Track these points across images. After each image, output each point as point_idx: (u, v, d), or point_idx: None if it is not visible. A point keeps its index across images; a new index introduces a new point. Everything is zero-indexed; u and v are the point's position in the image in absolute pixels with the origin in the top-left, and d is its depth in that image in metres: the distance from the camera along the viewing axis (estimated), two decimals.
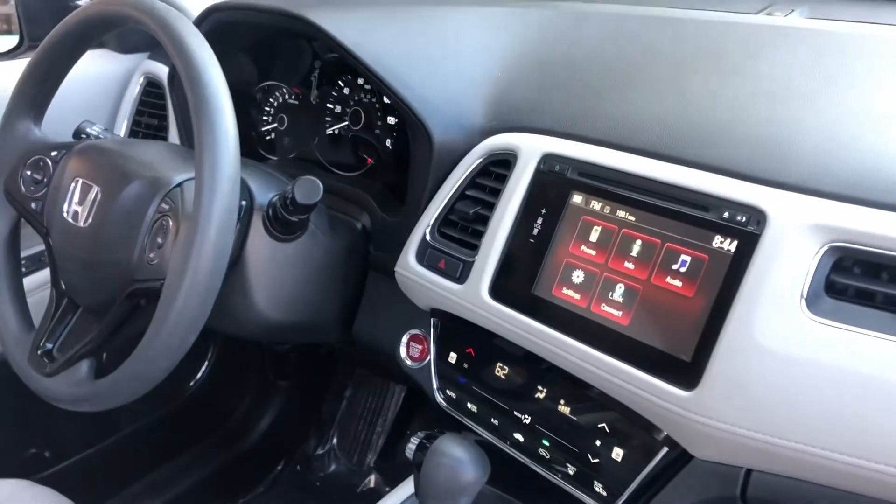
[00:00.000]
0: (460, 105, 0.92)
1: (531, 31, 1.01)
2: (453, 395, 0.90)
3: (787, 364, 0.60)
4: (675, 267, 0.68)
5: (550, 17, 1.04)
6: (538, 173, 0.81)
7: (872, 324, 0.59)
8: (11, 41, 1.28)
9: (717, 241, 0.66)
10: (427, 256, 0.89)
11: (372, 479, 1.57)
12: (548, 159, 0.81)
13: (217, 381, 1.56)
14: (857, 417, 0.58)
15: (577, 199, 0.77)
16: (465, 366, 0.88)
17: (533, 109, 0.87)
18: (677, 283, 0.68)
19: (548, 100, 0.88)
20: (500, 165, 0.86)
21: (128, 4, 0.83)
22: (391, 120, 1.05)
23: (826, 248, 0.61)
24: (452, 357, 0.89)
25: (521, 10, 1.06)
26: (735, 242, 0.65)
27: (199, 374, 1.53)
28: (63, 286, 0.91)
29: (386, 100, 1.04)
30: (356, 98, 1.09)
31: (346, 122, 1.10)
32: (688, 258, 0.68)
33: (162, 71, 1.25)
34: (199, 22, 1.03)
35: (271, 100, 1.19)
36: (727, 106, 0.77)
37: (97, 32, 0.89)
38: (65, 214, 0.86)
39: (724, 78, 0.82)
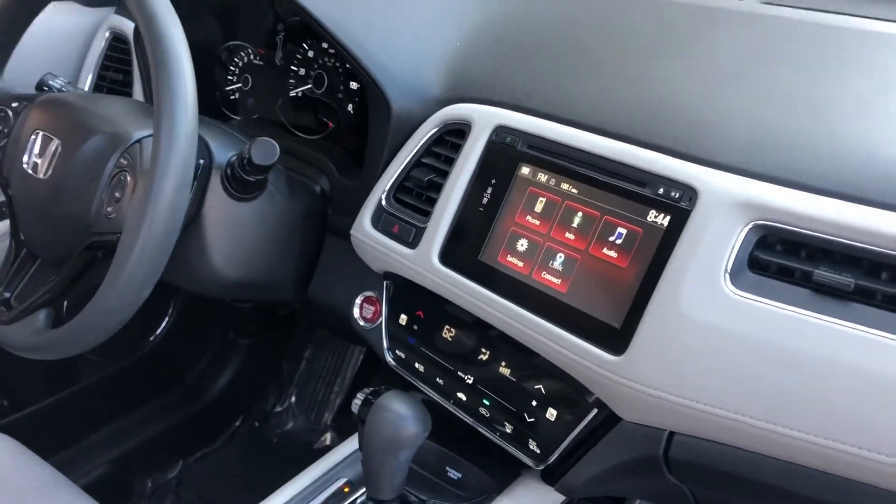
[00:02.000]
0: (419, 74, 0.94)
1: (491, 5, 1.03)
2: (402, 356, 0.93)
3: (708, 333, 0.64)
4: (611, 239, 0.72)
5: None
6: (490, 144, 0.84)
7: (790, 299, 0.63)
8: None
9: (652, 215, 0.70)
10: (382, 221, 0.92)
11: (328, 437, 1.61)
12: (500, 131, 0.83)
13: (178, 337, 1.58)
14: (771, 385, 0.62)
15: (525, 170, 0.80)
16: (415, 327, 0.91)
17: (488, 82, 0.90)
18: (613, 254, 0.71)
19: (504, 73, 0.90)
20: (455, 135, 0.88)
21: None
22: (353, 85, 1.07)
23: (751, 225, 0.65)
24: (403, 319, 0.93)
25: None
26: (668, 217, 0.69)
27: (159, 330, 1.54)
28: (22, 237, 0.92)
29: (348, 65, 1.06)
30: (320, 62, 1.10)
31: (310, 85, 1.11)
32: (624, 231, 0.71)
33: (128, 26, 1.25)
34: None
35: (236, 59, 1.20)
36: (669, 86, 0.80)
37: None
38: (24, 166, 0.87)
39: (672, 59, 0.85)
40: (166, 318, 1.55)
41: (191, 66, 0.77)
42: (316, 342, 1.70)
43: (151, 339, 1.54)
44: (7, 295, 0.90)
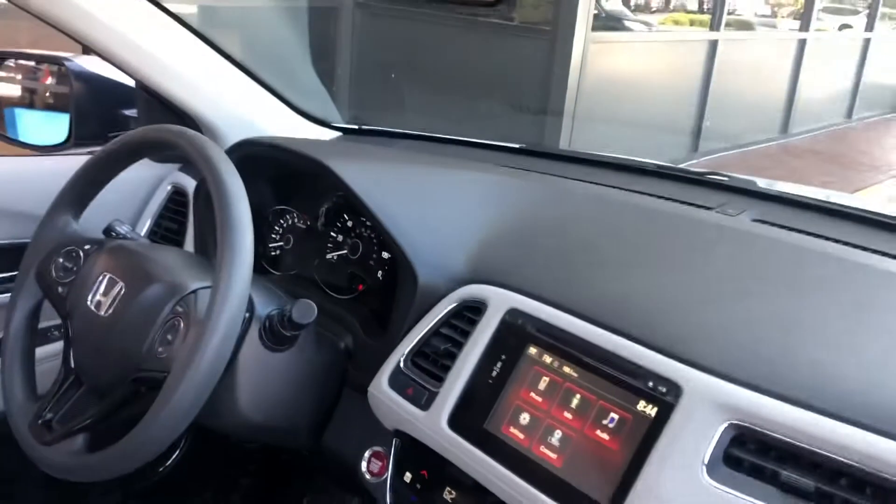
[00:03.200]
0: (445, 254, 1.06)
1: (517, 199, 1.17)
2: None
3: None
4: (605, 422, 0.80)
5: (536, 189, 1.20)
6: (503, 323, 0.94)
7: (760, 494, 0.70)
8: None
9: (641, 404, 0.79)
10: (398, 382, 1.00)
11: None
12: (512, 313, 0.94)
13: (184, 470, 1.63)
14: None
15: (532, 350, 0.90)
16: (418, 486, 0.98)
17: (505, 269, 1.01)
18: (605, 436, 0.80)
19: (518, 263, 1.02)
20: (472, 311, 0.99)
21: (176, 134, 0.98)
22: (385, 255, 1.19)
23: (727, 424, 0.74)
24: (408, 476, 0.99)
25: (514, 180, 1.22)
26: (655, 408, 0.78)
27: (168, 461, 1.60)
28: (72, 364, 1.01)
29: (383, 238, 1.18)
30: (357, 231, 1.23)
31: (345, 251, 1.24)
32: (616, 416, 0.80)
33: (188, 183, 1.40)
34: (231, 151, 1.19)
35: (282, 221, 1.34)
36: (665, 291, 0.91)
37: (147, 152, 1.05)
38: (88, 303, 0.98)
39: (669, 267, 0.97)
40: (177, 451, 1.61)
41: (251, 232, 0.89)
42: (315, 489, 1.74)
43: (160, 469, 1.59)
44: (50, 416, 0.98)
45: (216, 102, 1.35)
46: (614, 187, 1.22)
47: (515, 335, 0.92)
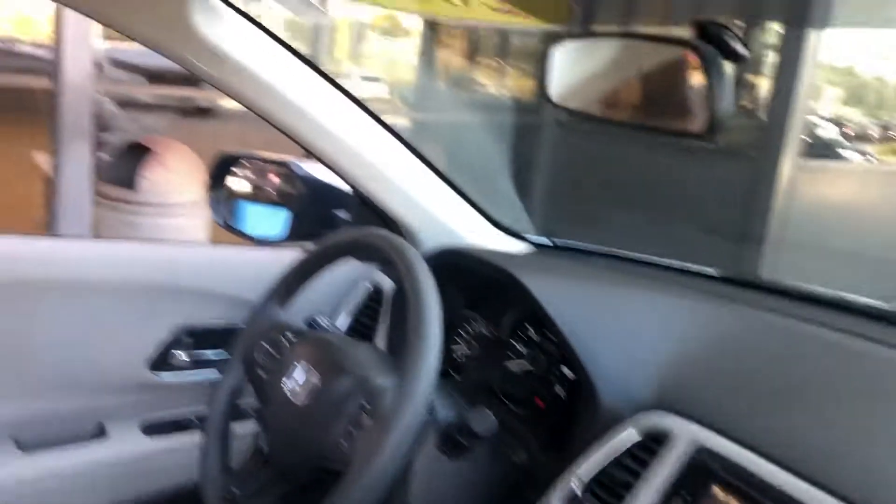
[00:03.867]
0: (631, 378, 1.03)
1: (711, 328, 1.12)
2: None
3: None
4: None
5: (732, 319, 1.15)
6: (687, 459, 0.89)
7: None
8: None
9: None
10: None
11: None
12: (699, 450, 0.89)
13: None
14: None
15: (717, 492, 0.84)
16: None
17: (694, 399, 0.97)
18: None
19: (710, 395, 0.97)
20: (655, 440, 0.95)
21: (380, 238, 1.05)
22: (567, 373, 1.17)
23: None
24: None
25: (709, 307, 1.18)
26: None
27: None
28: (261, 445, 1.08)
29: (566, 355, 1.17)
30: (541, 346, 1.23)
31: (528, 364, 1.24)
32: None
33: (386, 282, 1.47)
34: (428, 257, 1.25)
35: (468, 327, 1.37)
36: (871, 446, 0.83)
37: (353, 252, 1.13)
38: (284, 389, 1.05)
39: (887, 422, 0.88)
40: None
41: (440, 337, 0.92)
42: None
43: None
44: (236, 492, 1.05)
45: (419, 209, 1.43)
46: (818, 324, 1.14)
47: (700, 473, 0.87)
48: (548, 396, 1.20)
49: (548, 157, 5.51)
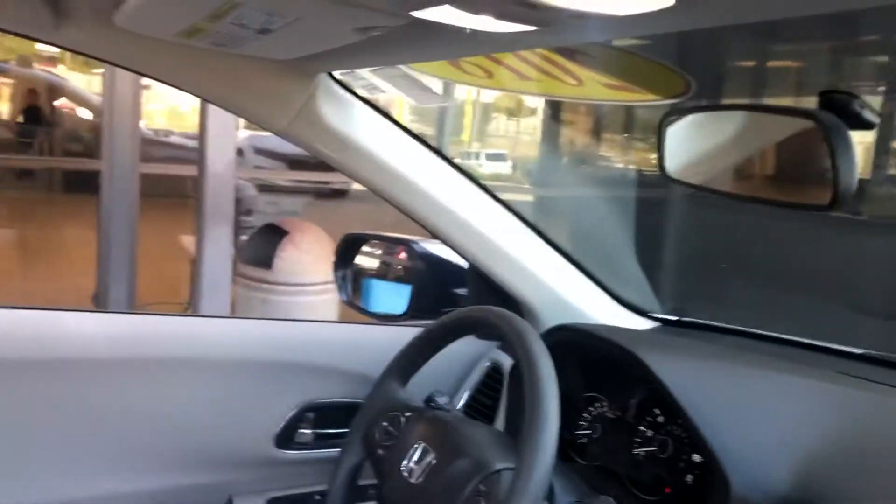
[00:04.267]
0: (765, 466, 0.96)
1: (857, 414, 1.03)
2: None
3: None
4: None
5: (876, 401, 1.06)
6: None
7: None
8: None
9: None
10: None
11: None
12: None
13: None
14: None
15: None
16: None
17: (838, 493, 0.89)
18: None
19: (856, 488, 0.89)
20: None
21: (497, 316, 1.05)
22: (696, 458, 1.11)
23: None
24: None
25: (854, 391, 1.09)
26: None
27: None
28: None
29: (695, 440, 1.11)
30: (668, 429, 1.17)
31: (654, 448, 1.18)
32: None
33: (505, 361, 1.46)
34: (547, 335, 1.23)
35: (591, 408, 1.32)
36: None
37: (471, 330, 1.13)
38: (402, 468, 1.04)
39: None
40: None
41: (557, 417, 0.90)
42: None
43: None
44: None
45: (538, 286, 1.42)
46: None
47: None
48: (675, 483, 1.13)
49: (675, 231, 5.36)
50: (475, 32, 0.69)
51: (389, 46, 0.90)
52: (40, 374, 1.29)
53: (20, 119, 10.38)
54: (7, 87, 10.82)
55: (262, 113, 1.22)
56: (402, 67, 4.56)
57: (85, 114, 10.52)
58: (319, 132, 1.23)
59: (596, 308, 1.46)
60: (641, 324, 1.50)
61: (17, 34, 1.06)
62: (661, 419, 1.19)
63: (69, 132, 10.33)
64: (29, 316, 1.32)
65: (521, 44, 0.81)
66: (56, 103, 10.57)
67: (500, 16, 0.62)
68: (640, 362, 1.07)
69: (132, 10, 0.84)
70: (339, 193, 8.52)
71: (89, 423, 1.34)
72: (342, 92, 1.24)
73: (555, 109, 7.20)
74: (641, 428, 1.21)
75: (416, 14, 0.67)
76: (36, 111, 10.33)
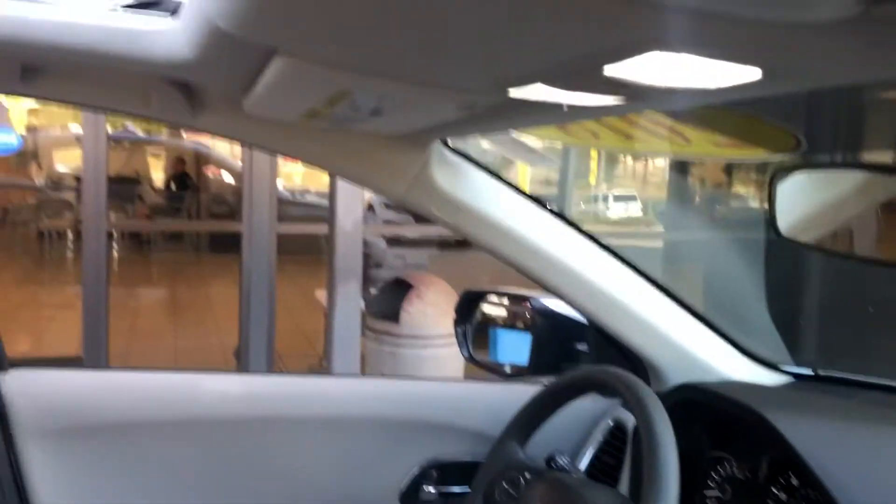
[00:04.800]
0: None
1: None
2: None
3: None
4: None
5: None
6: None
7: None
8: None
9: None
10: None
11: None
12: None
13: None
14: None
15: None
16: None
17: None
18: None
19: None
20: None
21: (614, 377, 1.04)
22: None
23: None
24: None
25: None
26: None
27: None
28: None
29: None
30: (803, 492, 1.11)
31: None
32: None
33: (629, 420, 1.43)
34: (670, 394, 1.20)
35: (719, 469, 1.27)
36: None
37: (590, 390, 1.12)
38: None
39: None
40: None
41: (676, 480, 0.87)
42: None
43: None
44: None
45: (661, 342, 1.38)
46: None
47: None
48: None
49: (810, 279, 5.07)
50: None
51: (493, 118, 0.93)
52: (182, 434, 1.38)
53: (171, 186, 11.24)
54: (158, 158, 11.75)
55: (379, 182, 1.28)
56: (513, 134, 4.62)
57: (228, 178, 11.26)
58: (434, 198, 1.27)
59: (723, 362, 1.41)
60: (772, 378, 1.43)
61: (160, 121, 1.17)
62: (794, 482, 1.13)
63: (213, 196, 11.08)
64: (173, 379, 1.43)
65: (612, 112, 0.82)
66: (202, 170, 11.37)
67: (591, 91, 0.64)
68: (770, 425, 1.02)
69: (257, 99, 0.91)
70: (465, 244, 8.62)
71: (226, 479, 1.42)
72: (455, 157, 1.28)
73: None
74: (774, 490, 1.16)
75: (513, 93, 0.69)
76: (184, 178, 11.16)
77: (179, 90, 1.06)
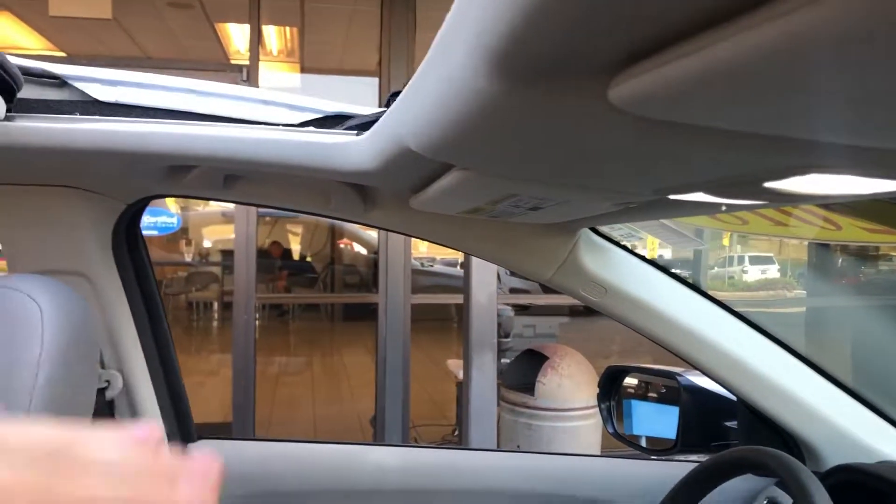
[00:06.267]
0: None
1: None
2: None
3: None
4: None
5: None
6: None
7: None
8: None
9: None
10: None
11: None
12: None
13: None
14: None
15: None
16: None
17: None
18: None
19: None
20: None
21: (771, 457, 1.05)
22: None
23: None
24: None
25: None
26: None
27: None
28: None
29: None
30: None
31: None
32: None
33: (785, 500, 1.41)
34: (828, 476, 1.18)
35: None
36: None
37: (744, 470, 1.13)
38: None
39: None
40: None
41: None
42: None
43: None
44: None
45: (814, 420, 1.37)
46: None
47: None
48: None
49: None
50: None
51: (646, 211, 0.99)
52: (348, 502, 1.48)
53: (307, 258, 11.78)
54: (296, 232, 12.36)
55: (529, 266, 1.35)
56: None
57: (358, 249, 11.70)
58: (581, 280, 1.33)
59: (881, 441, 1.38)
60: None
61: (335, 218, 1.31)
62: None
63: (347, 268, 11.53)
64: (338, 449, 1.53)
65: (766, 206, 0.86)
66: (336, 243, 11.87)
67: (750, 199, 0.69)
68: None
69: (426, 200, 1.02)
70: (592, 312, 8.54)
71: None
72: (601, 241, 1.34)
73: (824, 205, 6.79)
74: None
75: (672, 196, 0.76)
76: (321, 251, 11.67)
77: (356, 191, 1.18)
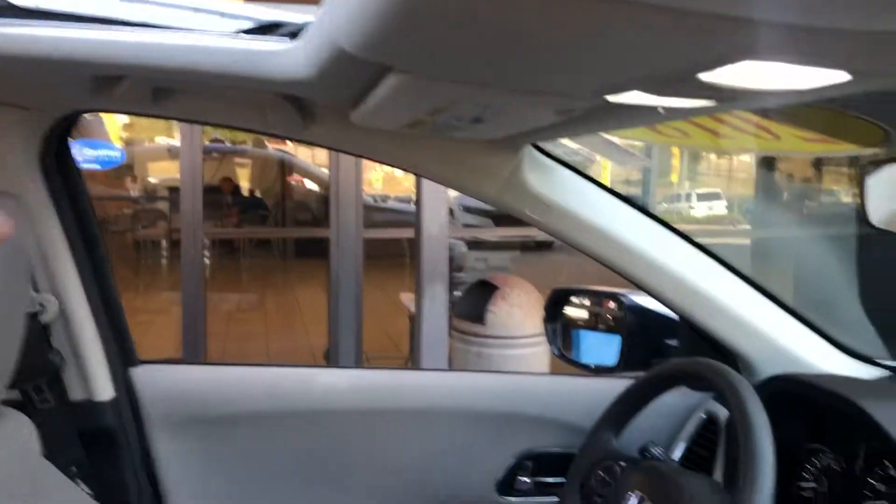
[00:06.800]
0: None
1: None
2: None
3: None
4: None
5: None
6: None
7: None
8: None
9: None
10: None
11: None
12: None
13: None
14: None
15: None
16: None
17: None
18: None
19: None
20: None
21: (707, 368, 1.07)
22: None
23: None
24: None
25: None
26: None
27: None
28: None
29: None
30: None
31: (884, 502, 1.13)
32: None
33: (722, 412, 1.45)
34: (762, 386, 1.22)
35: (815, 461, 1.28)
36: None
37: (681, 382, 1.16)
38: None
39: None
40: None
41: (772, 467, 0.90)
42: None
43: None
44: None
45: (751, 335, 1.40)
46: None
47: None
48: None
49: None
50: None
51: (587, 121, 0.98)
52: (295, 424, 1.48)
53: (257, 194, 11.61)
54: (245, 168, 12.15)
55: (472, 185, 1.34)
56: (602, 134, 4.66)
57: (310, 185, 11.56)
58: (525, 198, 1.32)
59: (817, 356, 1.42)
60: (868, 372, 1.43)
61: (271, 135, 1.27)
62: (892, 472, 1.13)
63: (297, 204, 11.40)
64: (286, 373, 1.53)
65: (704, 112, 0.86)
66: (287, 179, 11.71)
67: (686, 96, 0.68)
68: (867, 415, 1.04)
69: (366, 112, 0.99)
70: (544, 245, 8.66)
71: (332, 466, 1.51)
72: (545, 159, 1.33)
73: None
74: (872, 481, 1.16)
75: (610, 98, 0.74)
76: (270, 187, 11.51)
77: (292, 105, 1.14)
